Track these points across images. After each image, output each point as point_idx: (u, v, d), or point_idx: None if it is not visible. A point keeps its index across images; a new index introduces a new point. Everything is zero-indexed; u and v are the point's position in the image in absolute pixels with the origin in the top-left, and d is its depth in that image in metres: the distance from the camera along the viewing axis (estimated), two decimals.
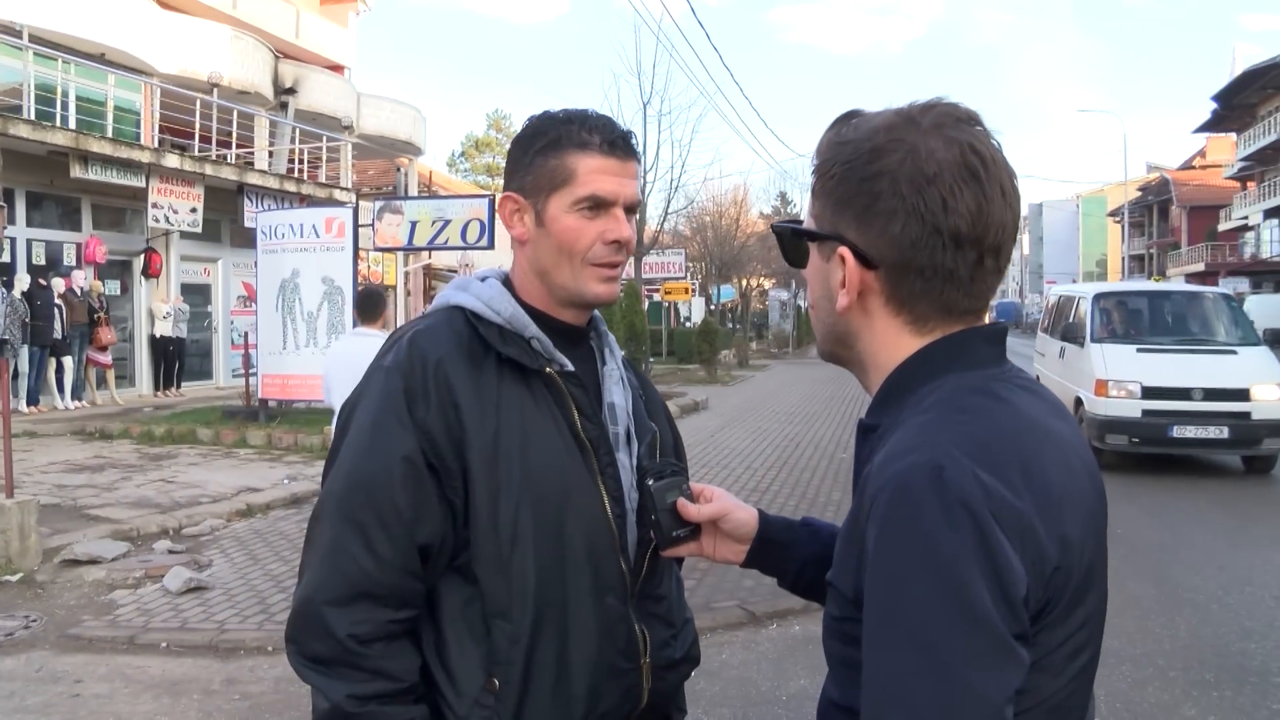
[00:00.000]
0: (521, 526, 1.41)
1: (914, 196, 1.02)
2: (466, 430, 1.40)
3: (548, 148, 1.48)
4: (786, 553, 1.46)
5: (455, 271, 27.02)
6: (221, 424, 12.69)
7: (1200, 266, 49.95)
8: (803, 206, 1.18)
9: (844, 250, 1.07)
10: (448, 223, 13.25)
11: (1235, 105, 48.26)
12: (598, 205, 1.47)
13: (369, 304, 6.01)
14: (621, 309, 18.48)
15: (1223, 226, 49.60)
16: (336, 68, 25.87)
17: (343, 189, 21.61)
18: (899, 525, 0.93)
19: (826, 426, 14.32)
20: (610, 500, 1.48)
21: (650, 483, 1.42)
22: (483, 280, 1.56)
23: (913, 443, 0.97)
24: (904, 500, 0.93)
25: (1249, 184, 52.11)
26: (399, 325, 1.61)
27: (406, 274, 27.94)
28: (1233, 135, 52.13)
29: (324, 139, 22.12)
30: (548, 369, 1.47)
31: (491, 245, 13.24)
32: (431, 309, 1.57)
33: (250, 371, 13.60)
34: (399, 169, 29.13)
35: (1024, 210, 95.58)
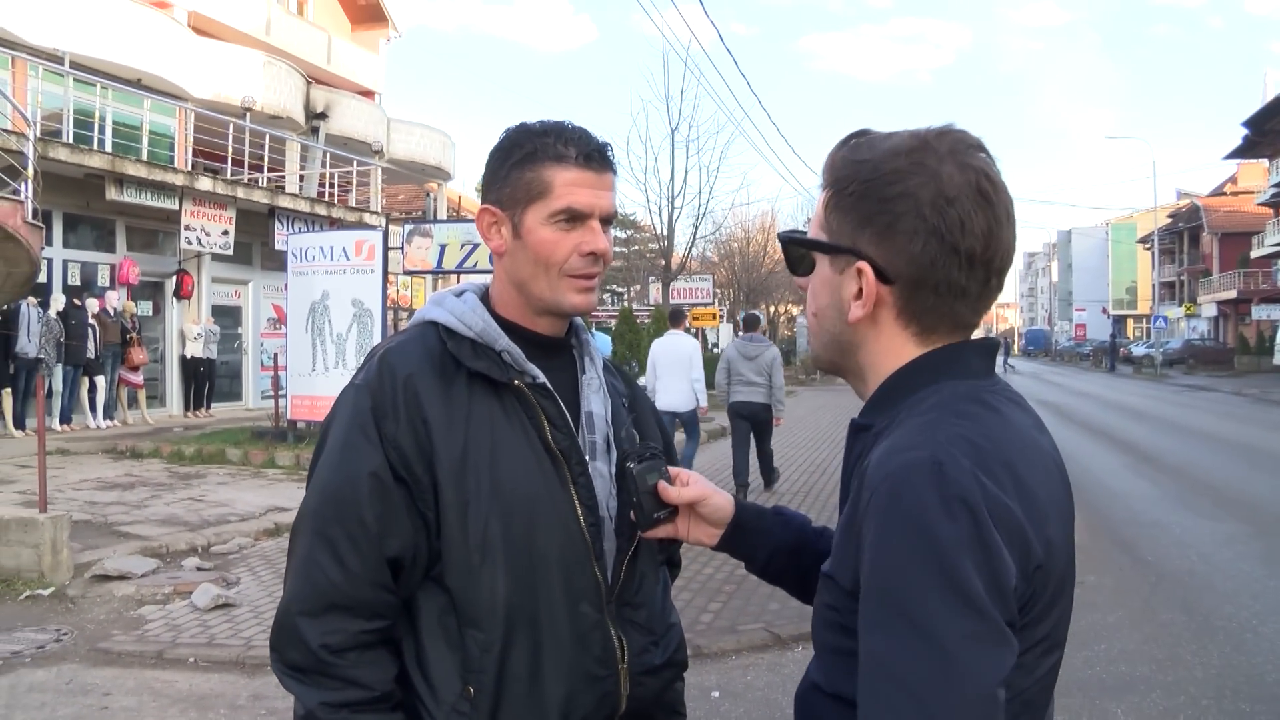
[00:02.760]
0: (490, 538, 1.43)
1: (935, 218, 1.08)
2: (435, 444, 1.43)
3: (524, 160, 1.50)
4: (759, 539, 1.51)
5: None
6: (250, 444, 12.80)
7: (1232, 294, 49.35)
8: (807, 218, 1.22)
9: (863, 265, 1.12)
10: (476, 246, 13.33)
11: (1267, 131, 47.69)
12: (574, 217, 1.49)
13: (676, 315, 10.69)
14: (649, 333, 18.49)
15: (1255, 254, 48.95)
16: (367, 93, 26.22)
17: (373, 213, 21.84)
18: (899, 516, 0.98)
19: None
20: (584, 509, 1.50)
21: (631, 465, 1.45)
22: (460, 295, 1.58)
23: (913, 440, 1.03)
24: (904, 493, 0.98)
25: None
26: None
27: None
28: (1265, 162, 51.52)
29: (354, 163, 22.38)
30: (516, 381, 1.49)
31: None
32: (409, 324, 1.60)
33: (279, 393, 13.71)
34: (428, 194, 29.40)
35: (1053, 237, 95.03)
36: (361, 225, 19.37)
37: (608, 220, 1.54)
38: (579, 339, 1.64)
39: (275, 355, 15.80)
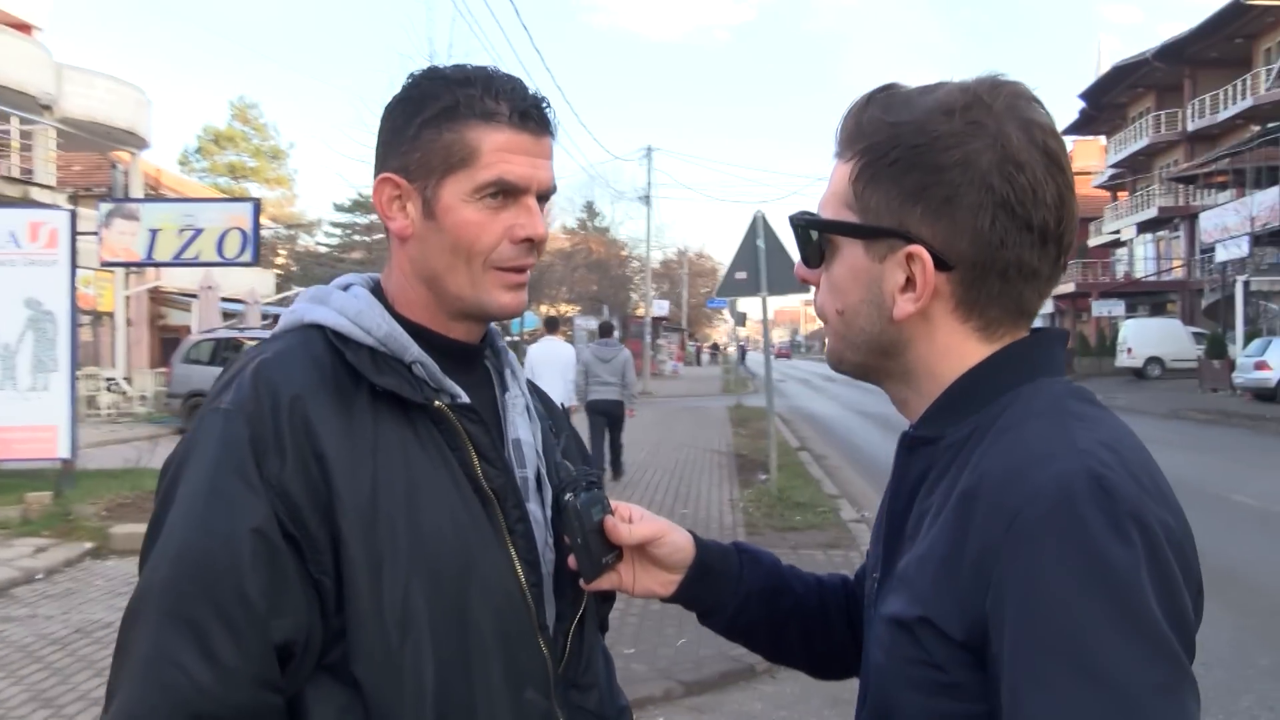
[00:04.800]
0: (413, 608, 1.35)
1: (1005, 187, 1.09)
2: (335, 488, 1.34)
3: (441, 117, 1.43)
4: (727, 584, 1.51)
5: (193, 295, 25.74)
6: None
7: (1070, 288, 53.33)
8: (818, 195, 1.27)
9: (917, 249, 1.13)
10: (199, 232, 12.60)
11: (1104, 105, 52.13)
12: (506, 193, 1.44)
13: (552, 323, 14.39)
14: None
15: (1092, 241, 53.29)
16: (22, 26, 24.46)
17: (41, 186, 20.32)
18: (1059, 544, 0.97)
19: (660, 476, 14.62)
20: (524, 566, 1.44)
21: (570, 497, 1.43)
22: (346, 289, 1.52)
23: (1046, 448, 1.03)
24: (1064, 514, 0.97)
25: (1120, 194, 56.11)
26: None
27: (127, 298, 26.41)
28: (1102, 139, 56.14)
29: (13, 120, 20.66)
30: (436, 402, 1.42)
31: (255, 260, 12.74)
32: (280, 329, 1.51)
33: None
34: (115, 165, 27.51)
35: None
36: (28, 202, 17.87)
37: (544, 196, 1.49)
38: (494, 348, 1.61)
39: None
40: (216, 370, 21.54)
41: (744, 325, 41.29)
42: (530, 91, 1.48)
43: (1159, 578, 0.96)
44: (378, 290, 1.54)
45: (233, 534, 1.29)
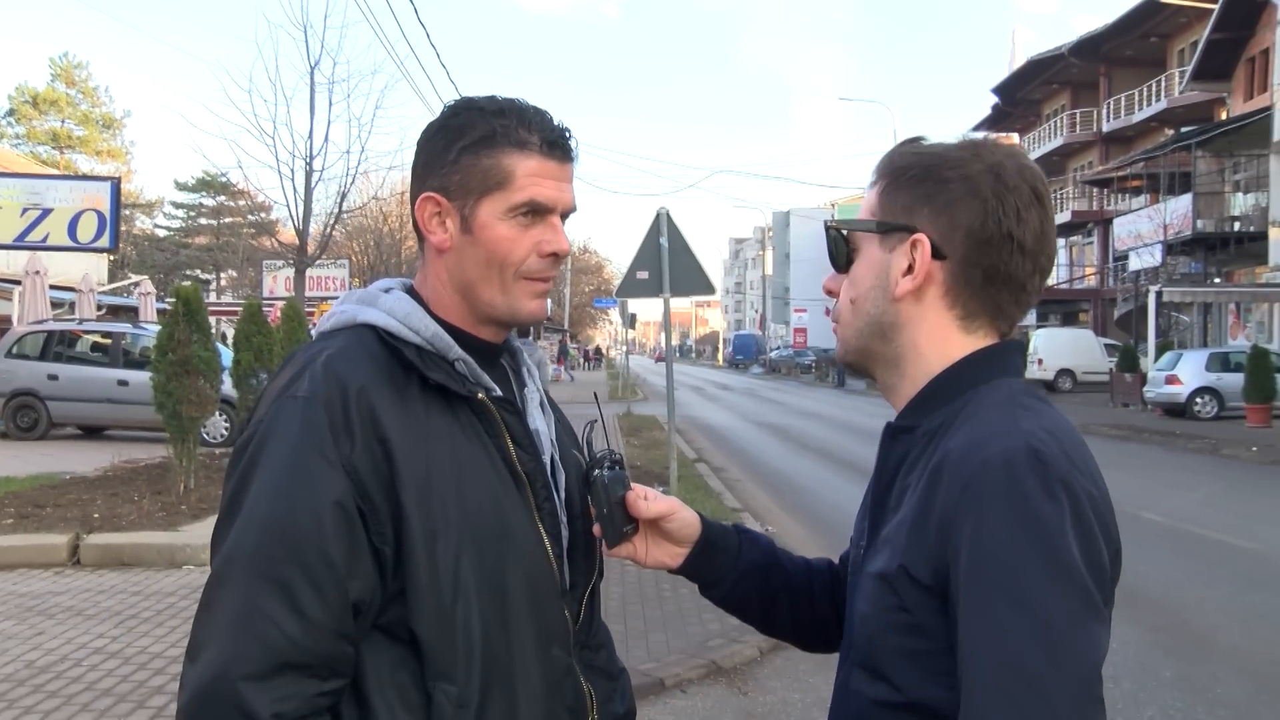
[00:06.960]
0: (463, 574, 1.62)
1: (994, 200, 1.47)
2: (397, 468, 1.60)
3: (480, 144, 1.71)
4: (728, 558, 1.85)
5: (14, 281, 24.85)
6: None
7: None
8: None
9: (920, 236, 1.50)
10: (48, 212, 12.38)
11: (1018, 100, 53.58)
12: (535, 212, 1.73)
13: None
14: (280, 335, 18.02)
15: None
16: None
17: None
18: (1004, 502, 1.30)
19: None
20: (550, 539, 1.74)
21: (599, 473, 1.77)
22: (387, 293, 1.78)
23: (997, 429, 1.38)
24: (1006, 479, 1.31)
25: None
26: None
27: None
28: (1015, 136, 57.72)
29: None
30: (479, 394, 1.70)
31: (114, 245, 12.53)
32: (332, 325, 1.77)
33: None
34: None
35: (767, 219, 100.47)
36: None
37: (566, 216, 1.79)
38: (510, 348, 1.91)
39: None
40: (48, 366, 20.86)
41: (634, 327, 41.47)
42: (555, 121, 1.77)
43: (1081, 532, 1.30)
44: (413, 294, 1.80)
45: (317, 504, 1.55)
